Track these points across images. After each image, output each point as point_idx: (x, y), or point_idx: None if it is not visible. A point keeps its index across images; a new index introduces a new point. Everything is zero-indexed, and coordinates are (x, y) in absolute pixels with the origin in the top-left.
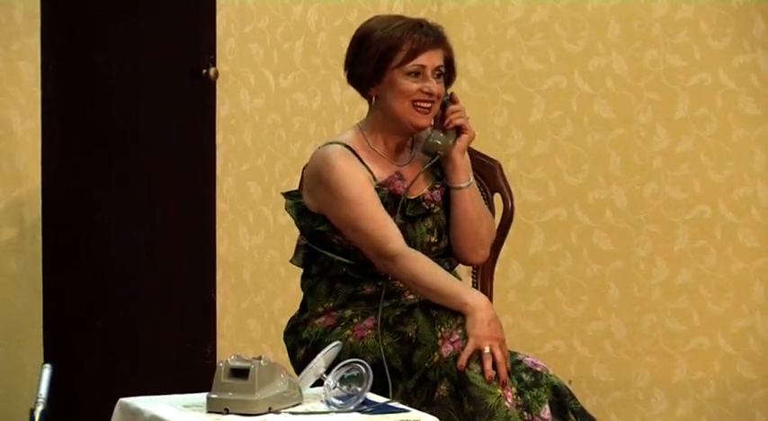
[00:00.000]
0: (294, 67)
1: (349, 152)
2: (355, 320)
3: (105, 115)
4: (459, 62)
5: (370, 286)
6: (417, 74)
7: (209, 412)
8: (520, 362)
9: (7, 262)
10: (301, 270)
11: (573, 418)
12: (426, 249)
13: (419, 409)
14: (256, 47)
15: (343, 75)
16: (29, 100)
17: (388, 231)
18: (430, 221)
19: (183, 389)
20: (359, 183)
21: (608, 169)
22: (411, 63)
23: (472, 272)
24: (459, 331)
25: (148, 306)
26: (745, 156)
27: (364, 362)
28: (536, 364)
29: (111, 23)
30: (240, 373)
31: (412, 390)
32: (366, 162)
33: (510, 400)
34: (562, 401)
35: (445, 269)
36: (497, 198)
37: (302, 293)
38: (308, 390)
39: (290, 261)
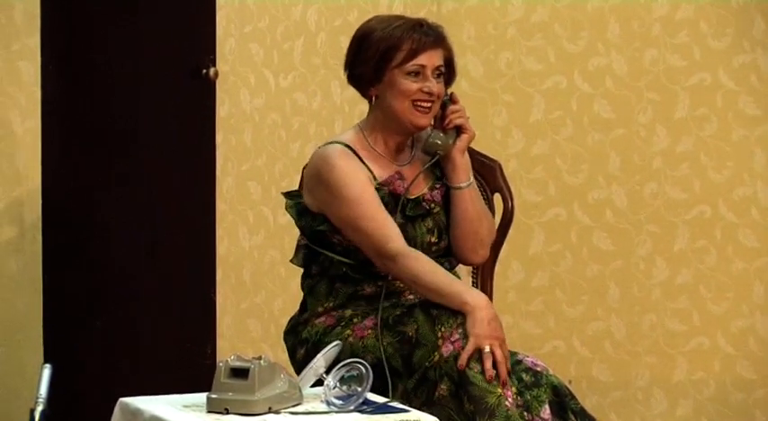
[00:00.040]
0: (294, 67)
1: (349, 152)
2: (355, 320)
3: (105, 115)
4: (459, 62)
5: (371, 286)
6: (417, 73)
7: (209, 412)
8: (520, 362)
9: (7, 262)
10: (301, 270)
11: (573, 418)
12: (426, 249)
13: (419, 409)
14: (256, 47)
15: (343, 75)
16: (29, 100)
17: (388, 231)
18: (430, 221)
19: (183, 389)
20: (359, 183)
21: (608, 169)
22: (411, 63)
23: (472, 272)
24: (460, 330)
25: (148, 306)
26: (745, 156)
27: (364, 362)
28: (536, 364)
29: (111, 23)
30: (240, 373)
31: (412, 390)
32: (366, 162)
33: (510, 400)
34: (562, 401)
35: (445, 269)
36: (497, 198)
37: (302, 293)
38: (308, 390)
39: (291, 261)
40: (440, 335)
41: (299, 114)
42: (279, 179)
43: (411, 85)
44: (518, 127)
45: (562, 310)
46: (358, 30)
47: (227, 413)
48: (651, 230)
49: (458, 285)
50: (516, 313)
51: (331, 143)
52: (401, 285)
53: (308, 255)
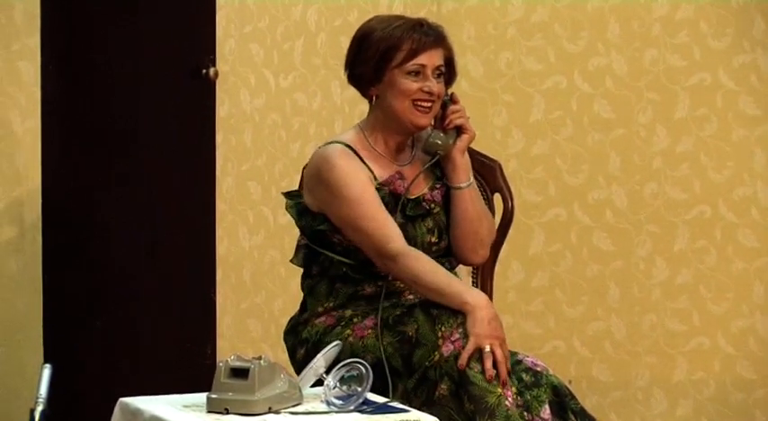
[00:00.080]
0: (294, 68)
1: (350, 151)
2: (355, 320)
3: (105, 115)
4: (460, 62)
5: (371, 286)
6: (417, 73)
7: (209, 412)
8: (520, 362)
9: (7, 262)
10: (301, 270)
11: (573, 418)
12: (427, 249)
13: (419, 409)
14: (256, 47)
15: (343, 75)
16: (29, 100)
17: (388, 231)
18: (430, 221)
19: (183, 389)
20: (359, 183)
21: (608, 169)
22: (411, 62)
23: (472, 272)
24: (460, 330)
25: (148, 306)
26: (745, 156)
27: (364, 362)
28: (536, 364)
29: (111, 23)
30: (240, 373)
31: (412, 390)
32: (367, 161)
33: (510, 400)
34: (562, 401)
35: (445, 269)
36: (497, 198)
37: (302, 293)
38: (308, 390)
39: (291, 261)
40: (440, 334)
41: (299, 114)
42: (279, 179)
43: (411, 84)
44: (518, 127)
45: (562, 310)
46: (358, 30)
47: (227, 413)
48: (651, 230)
49: (458, 285)
50: (516, 313)
51: (331, 143)
52: (401, 285)
53: (308, 255)
